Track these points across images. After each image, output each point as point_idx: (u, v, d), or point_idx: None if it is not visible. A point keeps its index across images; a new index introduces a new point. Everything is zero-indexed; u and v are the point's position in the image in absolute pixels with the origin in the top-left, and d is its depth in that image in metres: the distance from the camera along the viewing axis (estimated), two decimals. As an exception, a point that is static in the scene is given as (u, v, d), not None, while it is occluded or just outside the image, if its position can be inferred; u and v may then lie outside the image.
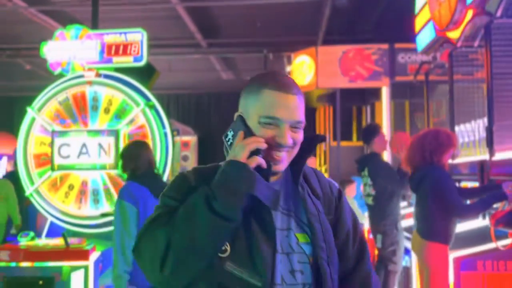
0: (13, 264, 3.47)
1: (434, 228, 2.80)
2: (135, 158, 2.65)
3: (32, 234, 3.83)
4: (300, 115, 0.98)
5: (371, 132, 4.05)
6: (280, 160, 0.97)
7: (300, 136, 0.99)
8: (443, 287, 2.80)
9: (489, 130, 3.56)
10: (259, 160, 0.93)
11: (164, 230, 0.90)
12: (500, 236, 2.72)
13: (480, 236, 2.97)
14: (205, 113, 11.60)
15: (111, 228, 4.38)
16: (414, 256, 3.36)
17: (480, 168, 3.56)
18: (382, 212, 3.67)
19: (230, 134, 1.00)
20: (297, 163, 1.02)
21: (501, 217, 2.50)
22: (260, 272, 0.91)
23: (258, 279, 0.90)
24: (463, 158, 4.35)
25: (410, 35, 5.79)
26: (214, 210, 0.88)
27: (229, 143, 1.00)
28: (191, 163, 10.96)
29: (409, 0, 5.62)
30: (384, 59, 6.43)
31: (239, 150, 0.94)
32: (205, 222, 0.88)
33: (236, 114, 1.03)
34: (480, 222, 3.32)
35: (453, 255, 2.88)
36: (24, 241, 3.73)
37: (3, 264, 3.46)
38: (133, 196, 2.51)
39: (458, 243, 3.02)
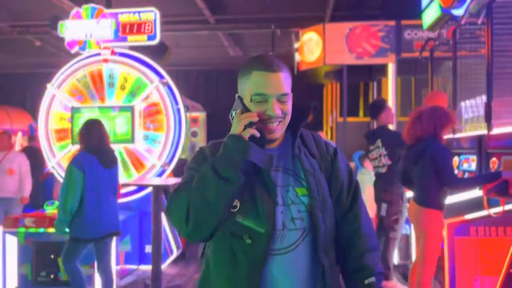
0: (41, 230, 3.76)
1: (431, 196, 3.02)
2: (87, 133, 3.30)
3: (57, 203, 4.11)
4: (284, 88, 1.17)
5: (377, 107, 4.26)
6: (274, 129, 1.17)
7: (288, 107, 1.18)
8: (438, 251, 3.05)
9: (488, 105, 3.72)
10: (251, 131, 1.13)
11: (185, 195, 1.12)
12: (492, 204, 2.93)
13: (474, 205, 3.18)
14: (213, 89, 11.75)
15: (129, 198, 4.66)
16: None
17: (478, 142, 3.75)
18: (392, 181, 3.86)
19: (233, 113, 1.20)
20: (294, 129, 1.22)
21: (492, 186, 2.70)
22: (263, 221, 1.12)
23: (262, 226, 1.11)
24: (465, 133, 4.51)
25: (416, 12, 5.87)
26: (219, 175, 1.09)
27: (232, 119, 1.21)
28: (200, 139, 11.19)
29: (416, -23, 5.67)
30: (391, 36, 6.51)
31: (235, 125, 1.15)
32: (213, 185, 1.10)
33: (236, 95, 1.24)
34: (475, 192, 3.53)
35: (447, 221, 3.11)
36: (50, 209, 4.02)
37: (32, 230, 3.76)
38: (81, 163, 3.16)
39: (453, 212, 3.24)
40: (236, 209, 1.12)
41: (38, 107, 4.85)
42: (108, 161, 3.38)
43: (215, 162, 1.11)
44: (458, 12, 4.53)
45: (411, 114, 3.34)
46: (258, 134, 1.14)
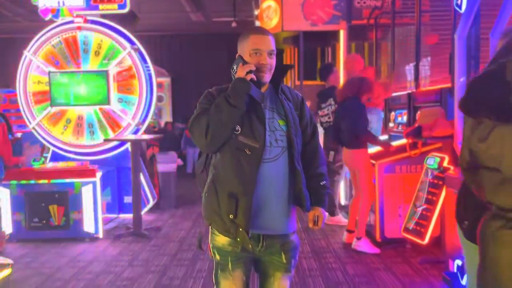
0: (32, 181, 4.23)
1: (357, 140, 3.79)
2: None
3: (42, 159, 4.56)
4: (272, 46, 1.72)
5: (326, 70, 4.97)
6: (264, 76, 1.72)
7: (274, 60, 1.74)
8: (371, 180, 3.84)
9: (416, 67, 4.43)
10: (251, 75, 1.69)
11: (205, 117, 1.62)
12: (412, 147, 3.66)
13: (401, 150, 3.91)
14: (177, 54, 11.99)
15: (107, 154, 5.15)
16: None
17: (408, 99, 4.48)
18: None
19: (234, 67, 1.69)
20: (276, 81, 1.79)
21: (410, 131, 3.42)
22: (257, 139, 1.67)
23: (256, 143, 1.67)
24: (400, 92, 5.23)
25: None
26: (230, 103, 1.60)
27: (233, 72, 1.69)
28: (166, 103, 11.57)
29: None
30: (342, 4, 7.08)
31: (240, 71, 1.64)
32: (226, 110, 1.60)
33: (237, 55, 1.73)
34: (402, 140, 4.27)
35: (378, 162, 3.84)
36: (37, 165, 4.47)
37: (23, 182, 4.22)
38: None
39: (384, 155, 3.97)
40: (239, 132, 1.64)
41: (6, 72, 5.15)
42: None
43: (227, 95, 1.60)
44: (397, -16, 5.13)
45: (344, 80, 4.08)
46: (255, 78, 1.69)
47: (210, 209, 1.70)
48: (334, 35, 7.94)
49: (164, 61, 11.60)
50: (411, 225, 3.31)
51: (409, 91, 4.56)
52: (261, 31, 1.74)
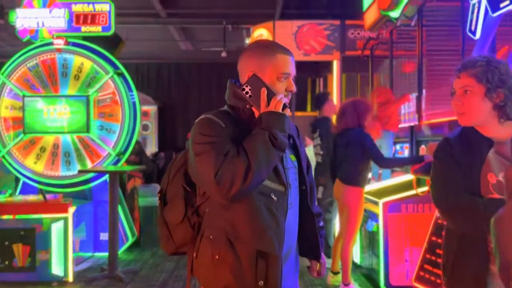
0: (-5, 217, 3.76)
1: (354, 176, 3.50)
2: None
3: (10, 191, 4.11)
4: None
5: (321, 99, 4.69)
6: (287, 103, 1.42)
7: None
8: (359, 222, 3.53)
9: (418, 99, 4.18)
10: (289, 111, 1.39)
11: (240, 159, 1.26)
12: (420, 184, 3.34)
13: (405, 186, 3.59)
14: (164, 82, 11.73)
15: (83, 187, 4.72)
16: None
17: (410, 132, 4.20)
18: (326, 169, 4.25)
19: (247, 88, 1.36)
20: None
21: (418, 167, 3.10)
22: (282, 181, 1.36)
23: (282, 186, 1.37)
24: (402, 125, 4.98)
25: (359, 13, 6.31)
26: (274, 145, 1.30)
27: (248, 95, 1.36)
28: (152, 132, 11.18)
29: (360, -20, 6.09)
30: (336, 35, 6.93)
31: (277, 104, 1.34)
32: (270, 152, 1.29)
33: (247, 74, 1.38)
34: (406, 176, 3.96)
35: (382, 201, 3.50)
36: (2, 198, 4.01)
37: (-15, 217, 3.75)
38: None
39: (388, 193, 3.64)
40: None
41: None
42: None
43: (271, 136, 1.29)
44: (394, 14, 4.97)
45: (338, 109, 3.82)
46: (289, 112, 1.40)
47: (226, 275, 1.31)
48: (326, 65, 7.78)
49: (151, 89, 11.32)
50: (425, 274, 2.93)
51: (411, 124, 4.29)
52: (288, 50, 1.43)
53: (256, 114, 1.37)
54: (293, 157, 1.47)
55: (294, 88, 1.40)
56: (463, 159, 1.44)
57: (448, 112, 3.86)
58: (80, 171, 4.15)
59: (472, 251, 1.42)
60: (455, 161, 1.44)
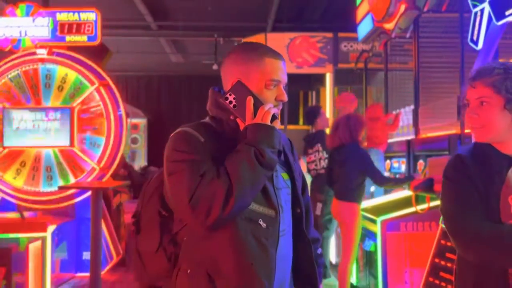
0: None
1: (350, 192, 3.39)
2: None
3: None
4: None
5: (313, 113, 4.55)
6: (277, 114, 1.23)
7: None
8: (356, 239, 3.39)
9: (415, 113, 4.04)
10: (279, 124, 1.20)
11: (220, 181, 1.07)
12: (419, 202, 3.18)
13: (404, 203, 3.43)
14: (155, 95, 11.57)
15: (65, 203, 4.49)
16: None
17: (407, 146, 4.05)
18: (325, 184, 4.07)
19: (231, 97, 1.18)
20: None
21: (418, 184, 2.94)
22: (272, 205, 1.17)
23: (272, 210, 1.17)
24: (396, 138, 4.84)
25: (351, 25, 6.23)
26: (261, 163, 1.11)
27: (231, 105, 1.18)
28: (141, 146, 10.96)
29: (352, -8, 6.02)
30: (328, 47, 6.83)
31: (265, 116, 1.16)
32: (256, 172, 1.10)
33: (231, 81, 1.20)
34: (404, 192, 3.80)
35: (380, 218, 3.33)
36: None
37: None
38: None
39: (386, 210, 3.47)
40: None
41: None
42: None
43: (257, 152, 1.11)
44: (389, 26, 4.87)
45: (332, 124, 3.70)
46: (279, 125, 1.21)
47: None
48: (319, 78, 7.67)
49: (140, 102, 11.15)
50: (427, 299, 2.75)
51: (408, 138, 4.15)
52: (278, 54, 1.25)
53: (241, 126, 1.19)
54: (285, 176, 1.28)
55: (285, 97, 1.22)
56: (480, 180, 1.26)
57: (446, 126, 3.73)
58: (61, 188, 3.93)
59: (492, 283, 1.25)
60: (471, 182, 1.26)
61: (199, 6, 8.00)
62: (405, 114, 4.86)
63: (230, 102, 1.18)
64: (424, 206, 3.14)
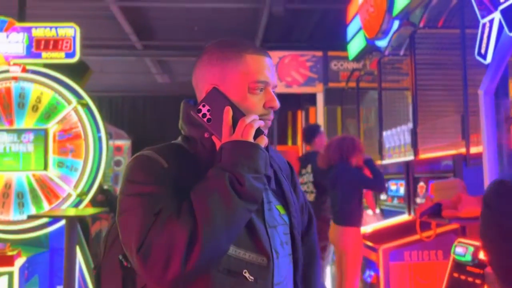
0: None
1: (349, 215, 3.20)
2: None
3: None
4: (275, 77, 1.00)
5: (312, 132, 4.32)
6: (268, 125, 0.96)
7: None
8: (359, 266, 3.17)
9: (414, 133, 3.84)
10: (266, 140, 0.91)
11: (181, 221, 0.80)
12: (424, 228, 2.93)
13: (406, 229, 3.18)
14: (139, 116, 11.29)
15: (38, 233, 4.13)
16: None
17: (406, 168, 3.82)
18: (319, 208, 3.83)
19: (205, 109, 0.92)
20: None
21: (426, 209, 2.70)
22: (263, 250, 0.89)
23: (262, 256, 0.89)
24: (391, 159, 4.63)
25: (341, 44, 6.09)
26: (240, 194, 0.83)
27: (205, 118, 0.92)
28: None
29: (342, 11, 5.91)
30: (318, 66, 6.68)
31: (246, 130, 0.89)
32: (233, 206, 0.82)
33: (205, 88, 0.96)
34: (406, 217, 3.55)
35: (382, 247, 3.06)
36: None
37: None
38: None
39: (387, 237, 3.21)
40: None
41: None
42: None
43: (233, 178, 0.84)
44: (382, 43, 4.72)
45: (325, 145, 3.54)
46: (267, 142, 0.92)
47: None
48: (308, 98, 7.50)
49: (124, 123, 10.85)
50: None
51: (407, 159, 3.92)
52: (262, 49, 0.98)
53: (218, 146, 0.93)
54: (281, 209, 0.99)
55: (276, 103, 0.96)
56: None
57: (447, 146, 3.52)
58: (30, 217, 3.58)
59: None
60: None
61: (185, 25, 7.84)
62: (398, 134, 4.68)
63: (204, 115, 0.93)
64: (430, 233, 2.89)
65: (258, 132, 0.91)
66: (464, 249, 2.42)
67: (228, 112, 0.91)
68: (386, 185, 4.44)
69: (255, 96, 0.94)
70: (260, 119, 0.93)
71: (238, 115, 0.92)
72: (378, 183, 3.24)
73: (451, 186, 2.71)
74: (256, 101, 0.94)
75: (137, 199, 0.85)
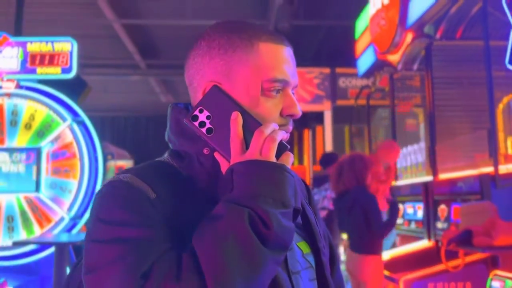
0: None
1: (367, 242, 2.86)
2: None
3: None
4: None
5: (331, 159, 4.30)
6: (286, 138, 0.70)
7: None
8: None
9: (432, 151, 3.56)
10: (292, 158, 0.66)
11: (183, 285, 0.56)
12: (449, 257, 2.63)
13: (428, 258, 2.88)
14: (142, 136, 11.12)
15: (26, 260, 3.85)
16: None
17: (424, 189, 3.54)
18: (330, 225, 3.72)
19: (202, 115, 0.67)
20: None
21: (454, 236, 2.40)
22: None
23: None
24: (405, 180, 4.35)
25: (348, 61, 5.88)
26: (265, 240, 0.58)
27: (204, 128, 0.67)
28: (127, 189, 10.35)
29: (349, 27, 5.73)
30: (326, 83, 6.46)
31: (266, 145, 0.64)
32: (256, 258, 0.57)
33: (202, 87, 0.71)
34: (427, 243, 3.25)
35: (403, 278, 2.76)
36: None
37: None
38: None
39: (408, 266, 2.91)
40: None
41: None
42: None
43: (255, 218, 0.59)
44: (394, 57, 4.49)
45: (334, 168, 3.25)
46: (292, 159, 0.68)
47: None
48: (316, 116, 7.26)
49: (127, 143, 10.68)
50: None
51: (425, 180, 3.63)
52: (279, 37, 0.71)
53: (223, 166, 0.67)
54: (305, 247, 0.75)
55: (297, 109, 0.70)
56: None
57: (468, 166, 3.24)
58: (15, 244, 3.31)
59: None
60: None
61: (190, 43, 7.70)
62: (411, 153, 4.42)
63: (202, 123, 0.67)
64: (457, 262, 2.58)
65: (282, 148, 0.65)
66: (502, 284, 2.12)
67: (237, 120, 0.66)
68: (401, 206, 4.15)
69: (270, 100, 0.69)
70: (281, 125, 0.69)
71: (252, 124, 0.66)
72: (383, 228, 2.88)
73: (482, 210, 2.42)
74: (271, 107, 0.69)
75: (114, 249, 0.58)
